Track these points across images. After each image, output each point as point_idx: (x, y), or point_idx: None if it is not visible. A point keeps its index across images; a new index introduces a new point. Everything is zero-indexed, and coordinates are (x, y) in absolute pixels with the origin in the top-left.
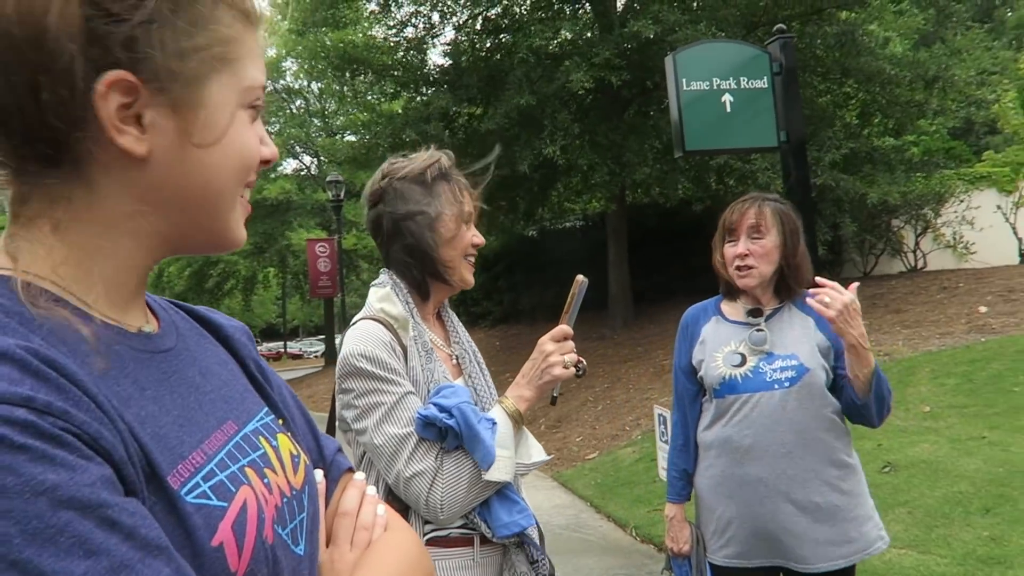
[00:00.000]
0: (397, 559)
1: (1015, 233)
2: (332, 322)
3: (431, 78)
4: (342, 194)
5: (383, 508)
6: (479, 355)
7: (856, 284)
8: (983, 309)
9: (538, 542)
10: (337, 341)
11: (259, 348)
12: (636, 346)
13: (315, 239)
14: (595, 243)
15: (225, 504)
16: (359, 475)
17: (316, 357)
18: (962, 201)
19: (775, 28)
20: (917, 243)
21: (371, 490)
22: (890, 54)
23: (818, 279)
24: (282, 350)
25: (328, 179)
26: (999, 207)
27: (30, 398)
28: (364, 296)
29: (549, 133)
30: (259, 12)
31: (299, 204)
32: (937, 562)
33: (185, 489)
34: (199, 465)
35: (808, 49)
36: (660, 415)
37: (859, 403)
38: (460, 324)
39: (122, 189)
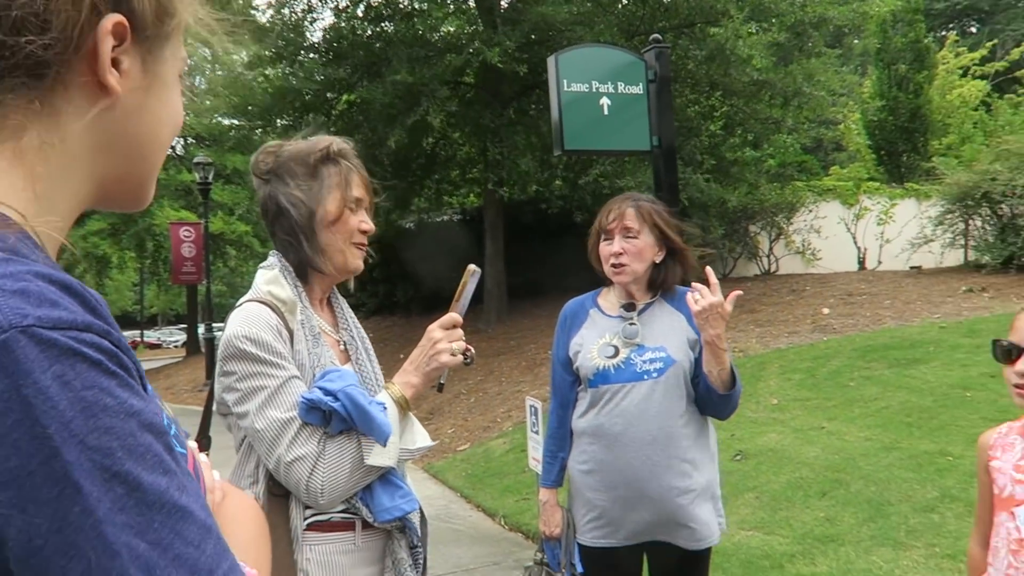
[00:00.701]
0: (251, 518)
1: (855, 242)
2: (195, 311)
3: (312, 49)
4: (210, 176)
5: (217, 474)
6: (367, 342)
7: (737, 293)
8: (826, 311)
9: (418, 528)
10: (200, 330)
11: None
12: (509, 340)
13: (179, 222)
14: (472, 238)
15: (184, 451)
16: (191, 442)
17: (176, 347)
18: (811, 211)
19: (651, 38)
20: (771, 248)
21: (202, 457)
22: (754, 69)
23: (708, 270)
24: (139, 339)
25: (195, 160)
26: (842, 219)
27: (108, 331)
28: (230, 284)
29: (426, 109)
30: None
31: (162, 184)
32: (780, 542)
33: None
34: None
35: (681, 61)
36: (532, 406)
37: (718, 395)
38: (350, 311)
39: (85, 127)
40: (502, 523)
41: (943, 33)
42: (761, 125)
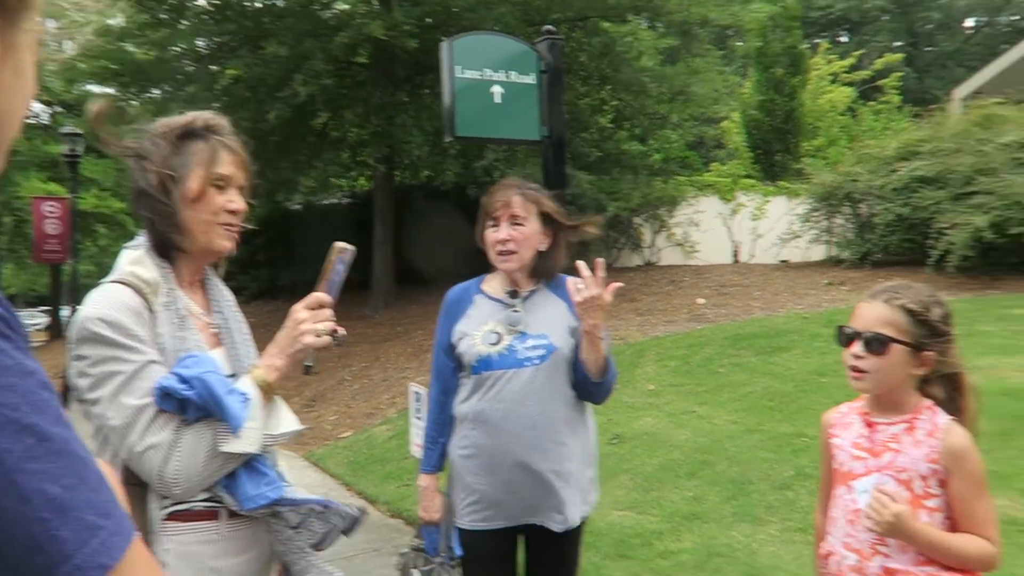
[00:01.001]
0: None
1: (730, 237)
2: (59, 292)
3: (195, 15)
4: (79, 149)
5: None
6: (244, 326)
7: (618, 285)
8: (701, 301)
9: (301, 512)
10: (64, 313)
11: None
12: (397, 326)
13: (43, 197)
14: (361, 221)
15: None
16: None
17: (37, 331)
18: (691, 205)
19: (544, 29)
20: (653, 240)
21: None
22: (643, 67)
23: (599, 261)
24: None
25: (63, 131)
26: (720, 213)
27: None
28: (100, 264)
29: (303, 81)
30: None
31: (26, 155)
32: (650, 520)
33: None
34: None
35: (574, 53)
36: (416, 392)
37: (592, 382)
38: (227, 293)
39: None
40: (383, 510)
41: (816, 41)
42: (648, 120)
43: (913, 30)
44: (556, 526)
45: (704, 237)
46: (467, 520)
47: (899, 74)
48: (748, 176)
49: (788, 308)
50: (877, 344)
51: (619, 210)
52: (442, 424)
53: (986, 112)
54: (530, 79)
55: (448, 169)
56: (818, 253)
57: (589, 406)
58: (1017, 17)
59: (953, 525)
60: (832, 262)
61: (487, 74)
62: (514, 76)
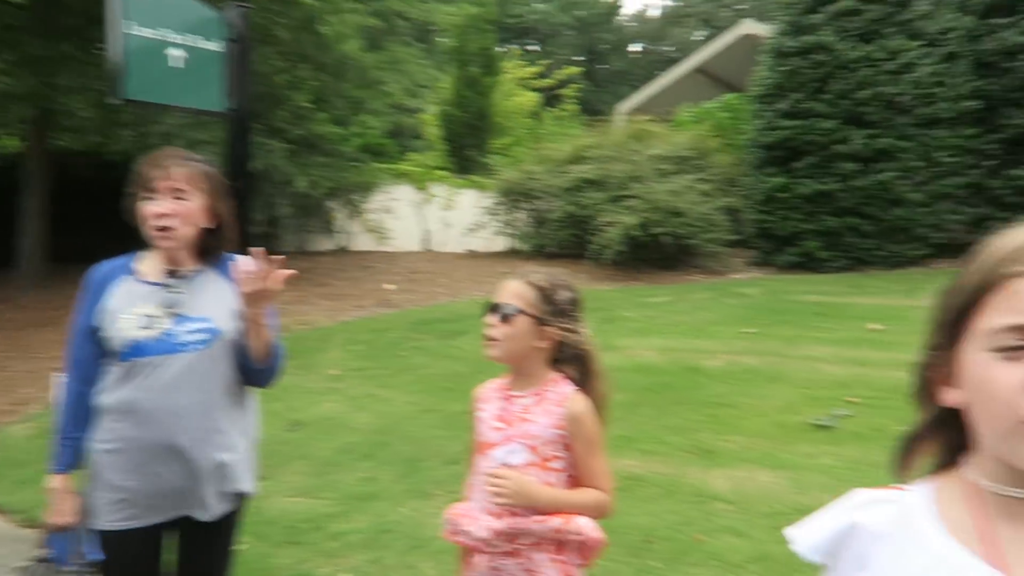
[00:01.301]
0: None
1: (422, 225)
2: None
3: None
4: None
5: None
6: None
7: (290, 272)
8: (390, 287)
9: None
10: None
11: None
12: (49, 310)
13: None
14: (8, 189)
15: None
16: None
17: None
18: (386, 192)
19: None
20: (347, 225)
21: None
22: (343, 50)
23: (277, 258)
24: None
25: None
26: (414, 202)
27: None
28: None
29: None
30: None
31: None
32: (323, 504)
33: None
34: None
35: (271, 26)
36: (62, 384)
37: (256, 368)
38: None
39: None
40: (16, 520)
41: (509, 46)
42: (346, 103)
43: (591, 48)
44: (207, 515)
45: (397, 224)
46: (111, 520)
47: (577, 86)
48: (442, 168)
49: (469, 295)
50: (506, 314)
51: (309, 188)
52: (80, 418)
53: (639, 127)
54: (215, 46)
55: (120, 136)
56: (501, 244)
57: (251, 391)
58: (673, 48)
59: (575, 481)
60: (512, 253)
61: (165, 35)
62: (198, 41)
